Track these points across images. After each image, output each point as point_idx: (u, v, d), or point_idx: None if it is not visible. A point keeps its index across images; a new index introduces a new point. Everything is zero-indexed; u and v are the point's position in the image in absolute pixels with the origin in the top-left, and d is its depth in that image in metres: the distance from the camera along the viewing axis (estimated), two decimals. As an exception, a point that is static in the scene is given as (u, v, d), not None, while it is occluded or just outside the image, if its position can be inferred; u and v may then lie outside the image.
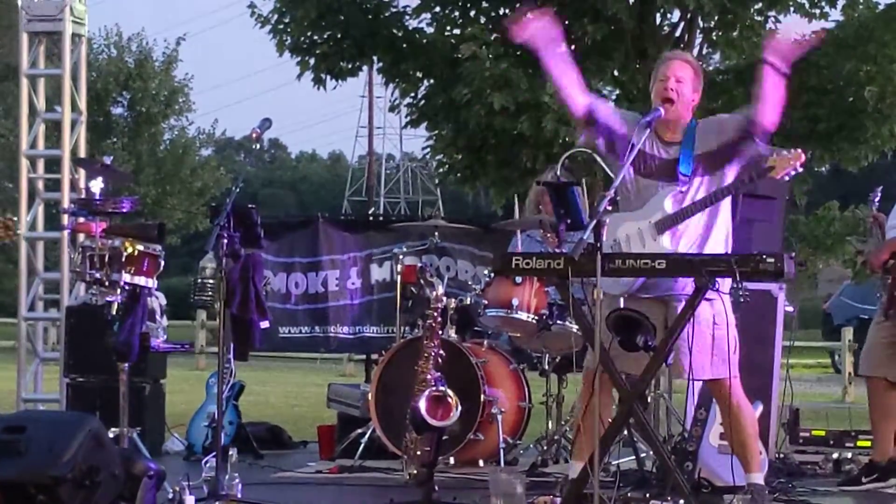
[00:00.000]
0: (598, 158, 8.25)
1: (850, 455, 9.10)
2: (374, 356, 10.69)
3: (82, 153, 11.06)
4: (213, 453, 7.42)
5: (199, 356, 23.13)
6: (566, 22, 14.63)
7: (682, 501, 6.74)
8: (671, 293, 6.89)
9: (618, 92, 15.65)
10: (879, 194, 8.88)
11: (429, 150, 16.14)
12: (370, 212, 39.13)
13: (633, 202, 6.99)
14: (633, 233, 6.93)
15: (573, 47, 14.93)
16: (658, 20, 15.12)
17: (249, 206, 8.57)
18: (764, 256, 6.54)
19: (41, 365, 11.13)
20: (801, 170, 6.81)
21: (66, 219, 9.76)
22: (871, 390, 8.63)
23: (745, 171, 6.99)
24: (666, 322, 6.88)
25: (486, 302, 9.13)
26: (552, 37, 6.97)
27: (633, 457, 8.29)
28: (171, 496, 7.06)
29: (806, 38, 6.87)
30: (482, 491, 7.58)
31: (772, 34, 6.93)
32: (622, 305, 6.83)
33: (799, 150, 6.79)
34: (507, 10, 15.12)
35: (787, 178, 6.88)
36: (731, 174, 6.98)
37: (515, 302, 8.98)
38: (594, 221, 6.40)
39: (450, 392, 7.66)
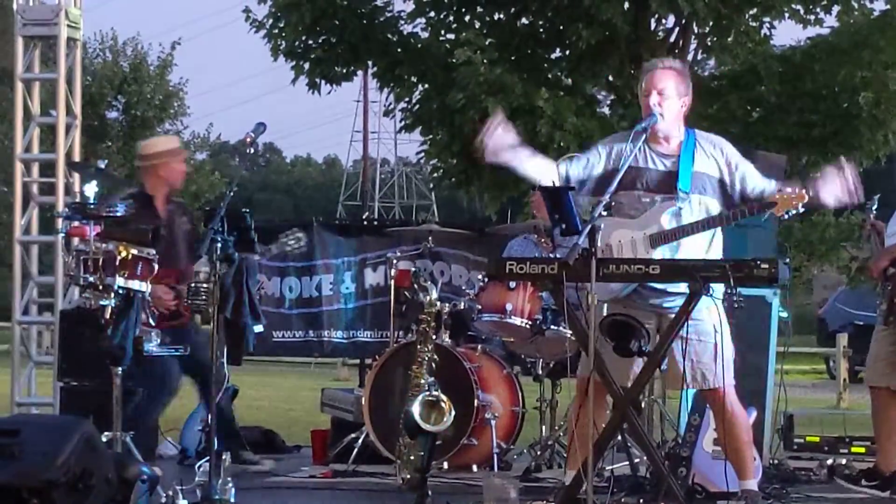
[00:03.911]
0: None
1: (844, 461, 9.10)
2: (368, 361, 10.68)
3: (77, 157, 11.05)
4: (207, 457, 7.41)
5: (194, 360, 23.04)
6: (561, 27, 14.69)
7: (675, 507, 6.74)
8: (665, 310, 6.88)
9: (612, 97, 15.68)
10: (876, 202, 8.86)
11: (423, 154, 16.16)
12: (364, 216, 39.04)
13: (629, 211, 6.97)
14: (627, 241, 6.92)
15: (567, 52, 15.08)
16: (653, 25, 15.13)
17: (244, 210, 8.56)
18: (758, 262, 6.54)
19: (35, 368, 11.13)
20: (802, 209, 6.81)
21: (60, 222, 9.75)
22: (874, 400, 8.60)
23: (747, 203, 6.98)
24: (660, 332, 6.88)
25: (479, 307, 9.13)
26: (510, 141, 7.09)
27: (627, 462, 8.29)
28: (164, 500, 7.05)
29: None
30: (476, 496, 7.59)
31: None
32: (614, 311, 6.83)
33: (802, 191, 6.76)
34: (501, 15, 15.15)
35: (786, 217, 6.87)
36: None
37: (509, 307, 8.97)
38: (589, 226, 6.40)
39: (443, 397, 7.66)
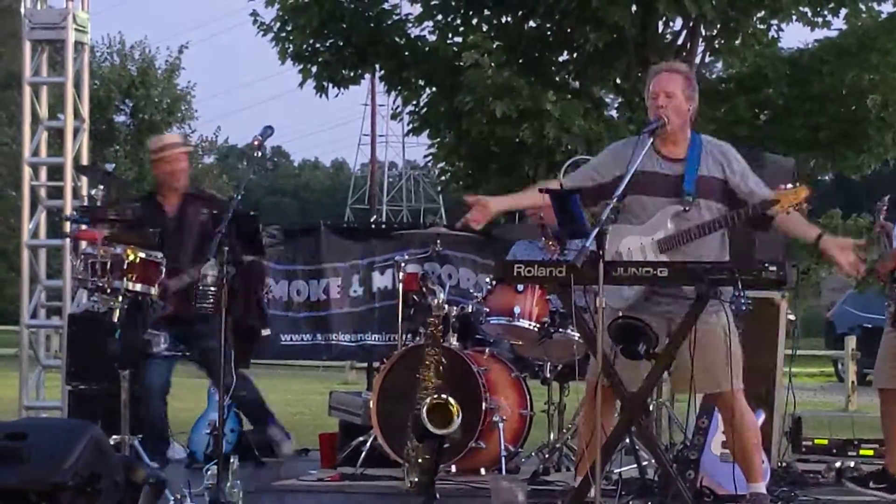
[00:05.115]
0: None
1: (852, 464, 9.08)
2: (376, 364, 10.67)
3: (85, 161, 11.06)
4: (215, 461, 7.41)
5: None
6: (568, 30, 14.69)
7: (683, 510, 6.73)
8: (676, 315, 6.86)
9: (620, 100, 15.68)
10: (887, 203, 8.84)
11: (431, 157, 16.17)
12: (372, 220, 39.12)
13: (636, 217, 6.95)
14: (636, 247, 6.90)
15: (575, 55, 15.09)
16: (660, 28, 15.13)
17: (251, 213, 8.57)
18: (766, 264, 6.53)
19: (43, 372, 11.13)
20: (805, 205, 6.78)
21: (68, 226, 9.76)
22: (883, 403, 8.59)
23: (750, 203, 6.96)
24: (669, 335, 6.87)
25: (487, 310, 9.12)
26: (499, 209, 7.21)
27: (635, 465, 8.28)
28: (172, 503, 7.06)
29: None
30: (484, 499, 7.58)
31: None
32: (623, 314, 6.82)
33: (803, 186, 6.74)
34: (508, 18, 15.15)
35: (789, 212, 6.83)
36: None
37: (517, 310, 8.97)
38: (597, 229, 6.39)
39: (451, 400, 7.65)
